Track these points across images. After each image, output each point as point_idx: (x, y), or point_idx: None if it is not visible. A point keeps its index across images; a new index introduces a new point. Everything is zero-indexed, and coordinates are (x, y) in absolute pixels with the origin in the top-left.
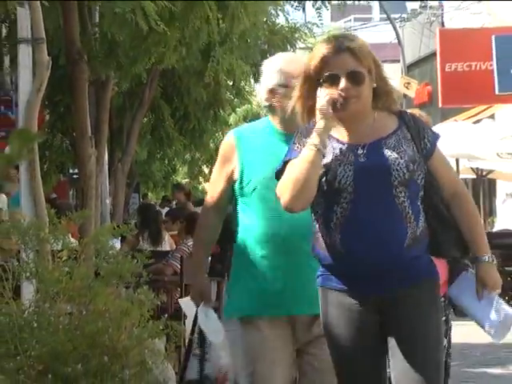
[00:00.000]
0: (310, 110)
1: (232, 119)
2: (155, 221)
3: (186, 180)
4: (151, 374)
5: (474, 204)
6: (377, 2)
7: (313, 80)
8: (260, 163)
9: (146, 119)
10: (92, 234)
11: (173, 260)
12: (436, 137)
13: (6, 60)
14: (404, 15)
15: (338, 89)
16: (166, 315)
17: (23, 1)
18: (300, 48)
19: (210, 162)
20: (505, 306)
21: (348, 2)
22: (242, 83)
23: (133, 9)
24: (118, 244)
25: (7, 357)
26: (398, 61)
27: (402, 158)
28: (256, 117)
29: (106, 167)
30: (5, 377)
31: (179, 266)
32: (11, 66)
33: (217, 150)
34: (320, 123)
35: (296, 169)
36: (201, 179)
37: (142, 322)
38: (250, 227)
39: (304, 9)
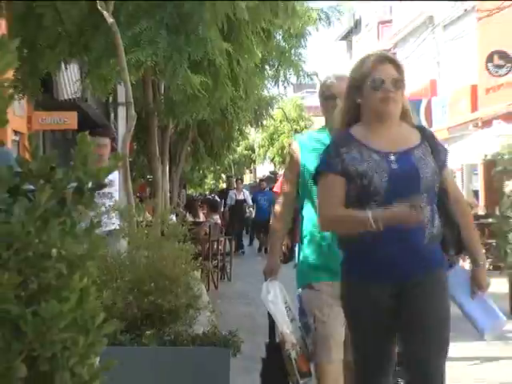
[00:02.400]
0: (349, 119)
1: (238, 149)
2: (193, 204)
3: (213, 181)
4: (192, 290)
5: (469, 211)
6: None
7: (355, 90)
8: (315, 163)
9: (189, 148)
10: (159, 212)
11: (205, 227)
12: (447, 152)
13: (112, 115)
14: None
15: (382, 89)
16: (201, 257)
17: (120, 80)
18: (276, 108)
19: (225, 172)
20: (494, 307)
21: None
22: (244, 128)
23: (183, 83)
24: (174, 217)
25: (111, 281)
26: None
27: (427, 168)
28: (251, 148)
29: (167, 175)
30: (109, 293)
31: (208, 230)
32: (115, 118)
33: (229, 166)
34: (398, 215)
35: (346, 225)
36: (220, 181)
37: (187, 261)
38: (311, 217)
39: (278, 85)
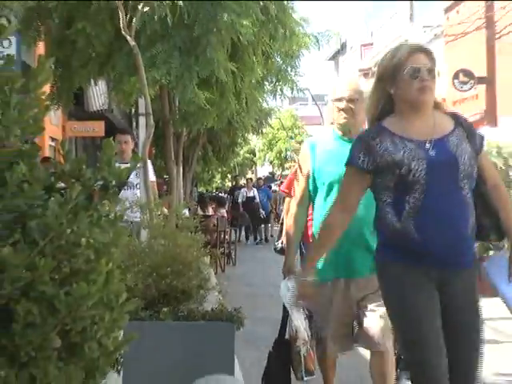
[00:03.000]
0: (381, 111)
1: (241, 152)
2: (204, 200)
3: (220, 181)
4: (202, 273)
5: (508, 195)
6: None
7: (387, 80)
8: (327, 162)
9: (200, 152)
10: (174, 207)
11: (213, 219)
12: (483, 137)
13: (134, 123)
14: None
15: (419, 78)
16: (209, 245)
17: (140, 94)
18: (274, 118)
19: (231, 173)
20: None
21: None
22: (246, 135)
23: (193, 98)
24: (186, 212)
25: (133, 266)
26: None
27: (464, 154)
28: (252, 152)
29: (181, 175)
30: (131, 276)
31: (216, 222)
32: (136, 126)
33: (234, 167)
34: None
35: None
36: (227, 181)
37: (198, 249)
38: (319, 216)
39: (275, 99)
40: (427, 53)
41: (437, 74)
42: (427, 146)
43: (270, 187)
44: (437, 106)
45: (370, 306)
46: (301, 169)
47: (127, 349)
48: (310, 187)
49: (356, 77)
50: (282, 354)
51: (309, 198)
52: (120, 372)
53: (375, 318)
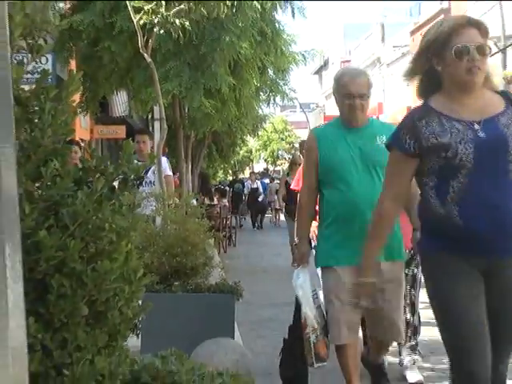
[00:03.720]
0: (426, 87)
1: (240, 152)
2: (210, 192)
3: (222, 175)
4: (207, 253)
5: None
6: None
7: (433, 54)
8: (334, 150)
9: (205, 151)
10: (183, 197)
11: (217, 208)
12: None
13: (150, 127)
14: None
15: (467, 59)
16: (213, 230)
17: (156, 103)
18: (268, 122)
19: (232, 168)
20: None
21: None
22: (244, 137)
23: (200, 105)
24: (194, 201)
25: (149, 247)
26: None
27: None
28: (249, 151)
29: (190, 171)
30: (148, 255)
31: (219, 210)
32: (152, 130)
33: (234, 164)
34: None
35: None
36: (228, 175)
37: (203, 232)
38: (332, 200)
39: (269, 106)
40: (478, 26)
41: (488, 50)
42: (476, 126)
43: (274, 179)
44: (487, 83)
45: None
46: (308, 158)
47: (144, 316)
48: (320, 175)
49: (364, 70)
50: (296, 340)
51: (317, 187)
52: (139, 335)
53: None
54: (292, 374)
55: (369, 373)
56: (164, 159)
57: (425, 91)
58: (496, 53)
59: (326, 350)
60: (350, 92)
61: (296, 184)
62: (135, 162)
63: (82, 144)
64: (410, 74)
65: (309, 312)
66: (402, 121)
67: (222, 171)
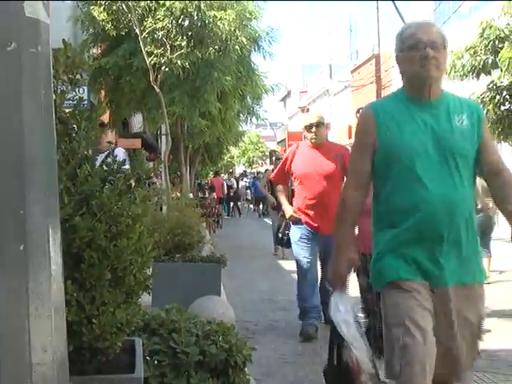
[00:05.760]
0: None
1: (225, 158)
2: (202, 188)
3: (212, 175)
4: (200, 233)
5: None
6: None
7: None
8: (398, 131)
9: (200, 158)
10: (183, 191)
11: (208, 200)
12: None
13: (159, 141)
14: None
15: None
16: (205, 216)
17: (163, 122)
18: (246, 136)
19: (220, 171)
20: None
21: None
22: (229, 147)
23: (196, 124)
24: (191, 195)
25: (158, 228)
26: None
27: None
28: (232, 158)
29: (188, 172)
30: (157, 234)
31: (209, 201)
32: (160, 142)
33: (221, 167)
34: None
35: None
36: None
37: (198, 218)
38: (391, 198)
39: (247, 124)
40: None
41: None
42: None
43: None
44: None
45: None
46: (360, 143)
47: (153, 280)
48: (377, 164)
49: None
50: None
51: (369, 182)
52: (150, 293)
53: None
54: None
55: None
56: (121, 150)
57: None
58: None
59: None
60: (420, 39)
61: (274, 175)
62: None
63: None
64: None
65: (363, 355)
66: None
67: (211, 173)
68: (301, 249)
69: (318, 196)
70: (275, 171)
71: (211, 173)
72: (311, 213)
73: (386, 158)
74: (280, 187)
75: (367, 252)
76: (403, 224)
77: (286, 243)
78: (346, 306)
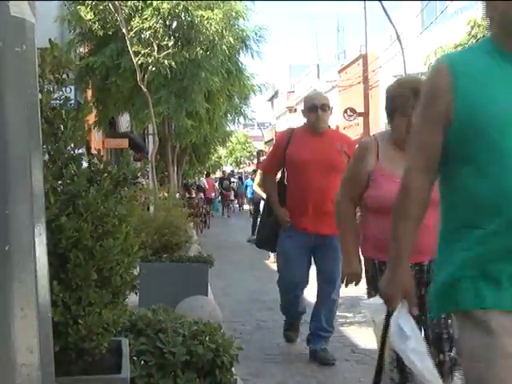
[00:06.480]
0: None
1: (213, 158)
2: (188, 188)
3: (199, 176)
4: (188, 233)
5: None
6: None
7: None
8: (485, 94)
9: (187, 158)
10: (171, 191)
11: (195, 199)
12: None
13: (146, 140)
14: None
15: None
16: (193, 216)
17: (150, 122)
18: (234, 136)
19: (208, 172)
20: None
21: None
22: (216, 147)
23: (183, 124)
24: (177, 194)
25: (145, 228)
26: None
27: None
28: (220, 157)
29: (176, 172)
30: (144, 234)
31: (197, 201)
32: (147, 142)
33: (208, 167)
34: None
35: None
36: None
37: (185, 218)
38: (469, 186)
39: (234, 124)
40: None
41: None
42: None
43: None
44: None
45: None
46: (427, 109)
47: (140, 280)
48: (452, 141)
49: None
50: None
51: (437, 163)
52: (137, 293)
53: None
54: None
55: None
56: None
57: None
58: None
59: None
60: None
61: (265, 165)
62: None
63: (95, 152)
64: None
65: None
66: None
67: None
68: (293, 263)
69: (319, 191)
70: (265, 161)
71: (198, 173)
72: (308, 208)
73: (466, 130)
74: (270, 181)
75: (376, 258)
76: (490, 223)
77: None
78: (413, 330)
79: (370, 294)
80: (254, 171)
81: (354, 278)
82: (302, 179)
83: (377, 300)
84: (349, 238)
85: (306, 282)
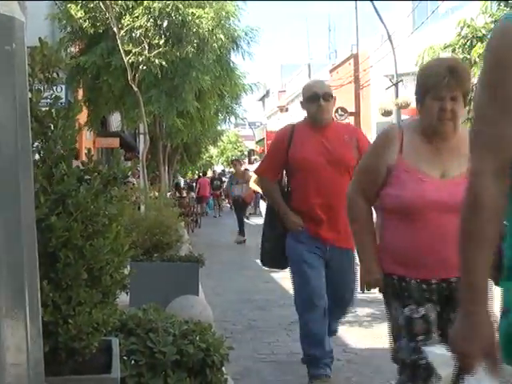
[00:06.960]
0: None
1: (204, 157)
2: (179, 187)
3: (191, 175)
4: (179, 232)
5: None
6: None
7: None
8: None
9: (179, 157)
10: (162, 191)
11: (186, 199)
12: None
13: (137, 139)
14: None
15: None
16: (183, 215)
17: (141, 121)
18: (225, 135)
19: (198, 169)
20: None
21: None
22: (207, 146)
23: (174, 123)
24: (169, 194)
25: (136, 227)
26: None
27: None
28: (211, 157)
29: (166, 171)
30: (135, 234)
31: (188, 201)
32: (138, 141)
33: (199, 167)
34: None
35: None
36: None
37: (176, 217)
38: None
39: (226, 124)
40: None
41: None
42: None
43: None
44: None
45: None
46: (496, 90)
47: (130, 279)
48: None
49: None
50: None
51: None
52: (127, 293)
53: None
54: None
55: None
56: None
57: None
58: (390, 86)
59: None
60: None
61: (261, 168)
62: None
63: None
64: None
65: None
66: None
67: (190, 172)
68: (309, 272)
69: (330, 193)
70: (263, 164)
71: (190, 172)
72: (320, 218)
73: None
74: (270, 184)
75: (396, 274)
76: None
77: (281, 263)
78: None
79: (393, 339)
80: (246, 170)
81: (377, 284)
82: (309, 183)
83: (441, 348)
84: (365, 239)
85: (325, 295)
